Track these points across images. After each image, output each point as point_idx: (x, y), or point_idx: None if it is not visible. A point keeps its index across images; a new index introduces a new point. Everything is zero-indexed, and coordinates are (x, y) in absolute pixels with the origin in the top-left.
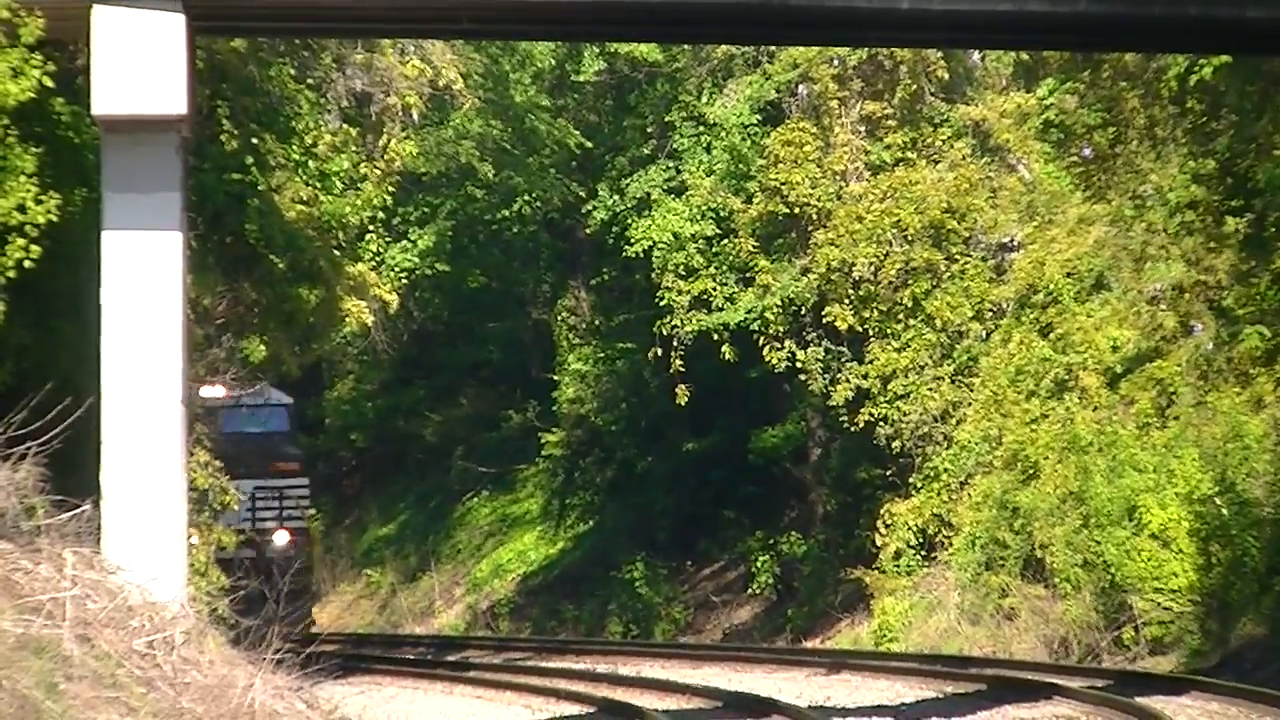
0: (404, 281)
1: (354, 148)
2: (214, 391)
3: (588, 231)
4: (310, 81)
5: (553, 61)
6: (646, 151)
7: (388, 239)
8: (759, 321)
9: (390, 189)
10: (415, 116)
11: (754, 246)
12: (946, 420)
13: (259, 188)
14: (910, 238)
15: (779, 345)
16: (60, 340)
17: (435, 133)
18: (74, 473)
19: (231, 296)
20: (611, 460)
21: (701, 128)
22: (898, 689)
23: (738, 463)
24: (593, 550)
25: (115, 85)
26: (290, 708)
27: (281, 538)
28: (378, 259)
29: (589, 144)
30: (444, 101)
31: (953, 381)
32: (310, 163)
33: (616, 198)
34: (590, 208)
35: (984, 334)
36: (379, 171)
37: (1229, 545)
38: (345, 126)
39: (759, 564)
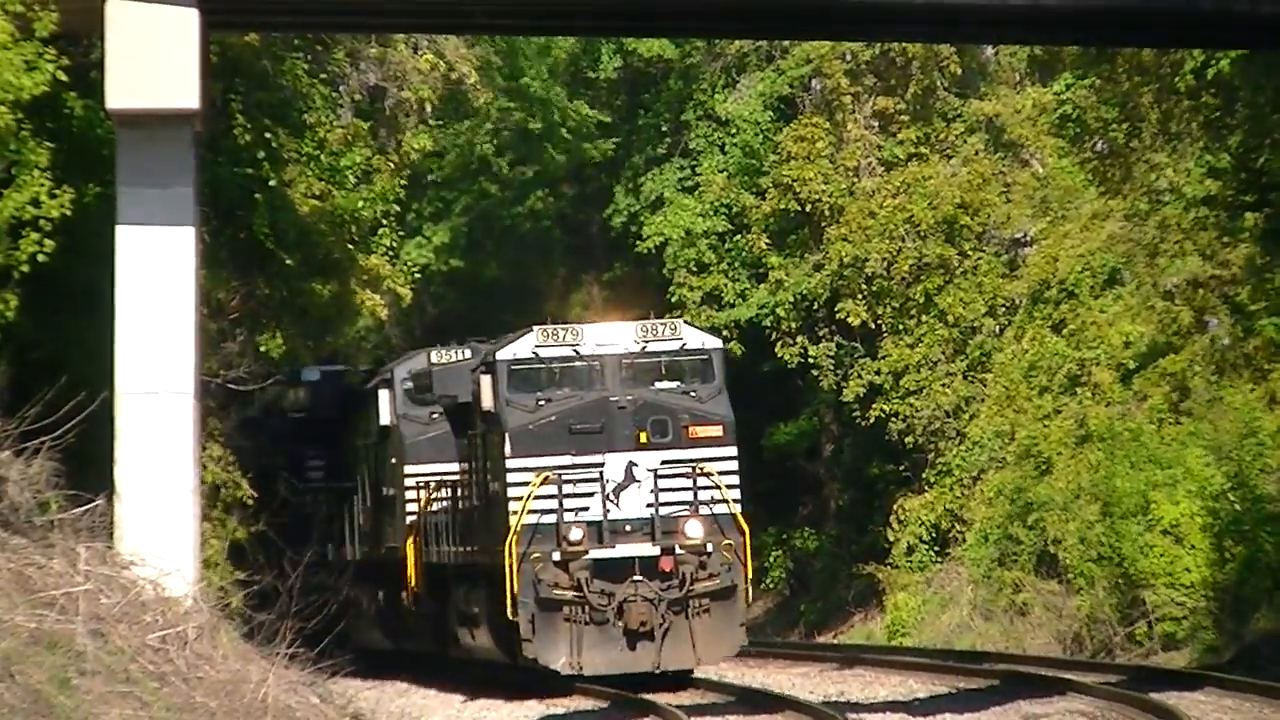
0: (417, 276)
1: (366, 142)
2: (615, 332)
3: (609, 229)
4: (324, 76)
5: (567, 53)
6: (662, 150)
7: (401, 234)
8: (771, 317)
9: (403, 183)
10: (429, 109)
11: (766, 243)
12: (959, 416)
13: (272, 182)
14: (923, 233)
15: (791, 341)
16: (73, 335)
17: (449, 127)
18: (87, 468)
19: (245, 291)
20: None
21: (715, 125)
22: (911, 684)
23: (751, 458)
24: None
25: (129, 79)
26: (304, 702)
27: (694, 529)
28: (392, 253)
29: (606, 119)
30: (458, 95)
31: (965, 377)
32: (323, 157)
33: (632, 198)
34: (609, 212)
35: (997, 329)
36: (392, 165)
37: (1243, 541)
38: (356, 120)
39: (772, 559)
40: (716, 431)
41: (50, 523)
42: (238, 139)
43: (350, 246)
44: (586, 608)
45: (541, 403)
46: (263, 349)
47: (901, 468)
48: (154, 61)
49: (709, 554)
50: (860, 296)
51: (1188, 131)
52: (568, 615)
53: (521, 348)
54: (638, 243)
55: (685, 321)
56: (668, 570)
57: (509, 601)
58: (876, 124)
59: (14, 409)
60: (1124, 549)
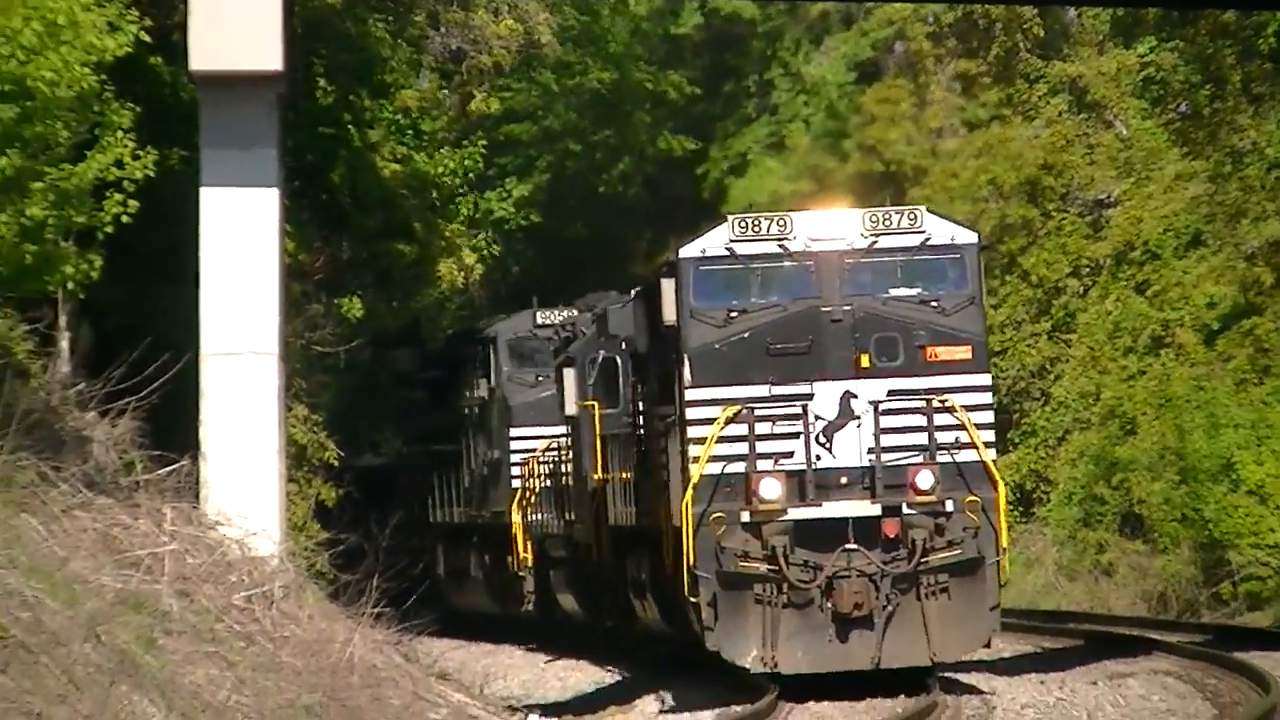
0: (496, 248)
1: (447, 105)
2: (835, 223)
3: (697, 190)
4: (405, 38)
5: (647, 14)
6: (749, 111)
7: (482, 193)
8: None
9: (482, 151)
10: (504, 69)
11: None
12: (1044, 376)
13: (353, 144)
14: (1006, 194)
15: None
16: (157, 297)
17: (525, 91)
18: (172, 428)
19: (328, 253)
20: None
21: (799, 86)
22: (996, 644)
23: None
24: None
25: (212, 42)
26: (389, 662)
27: (928, 481)
28: (472, 216)
29: (696, 90)
30: (538, 58)
31: (1050, 338)
32: (403, 121)
33: (725, 159)
34: (703, 170)
35: (1081, 290)
36: (469, 128)
37: None
38: (433, 82)
39: None
40: (963, 353)
41: (136, 483)
42: (320, 101)
43: (431, 210)
44: (784, 586)
45: (734, 315)
46: (343, 311)
47: None
48: (237, 24)
49: (948, 515)
50: None
51: (1270, 93)
52: (760, 595)
53: (712, 243)
54: (722, 207)
55: (929, 210)
56: (892, 536)
57: (685, 577)
58: (959, 86)
59: (98, 370)
60: (1206, 510)
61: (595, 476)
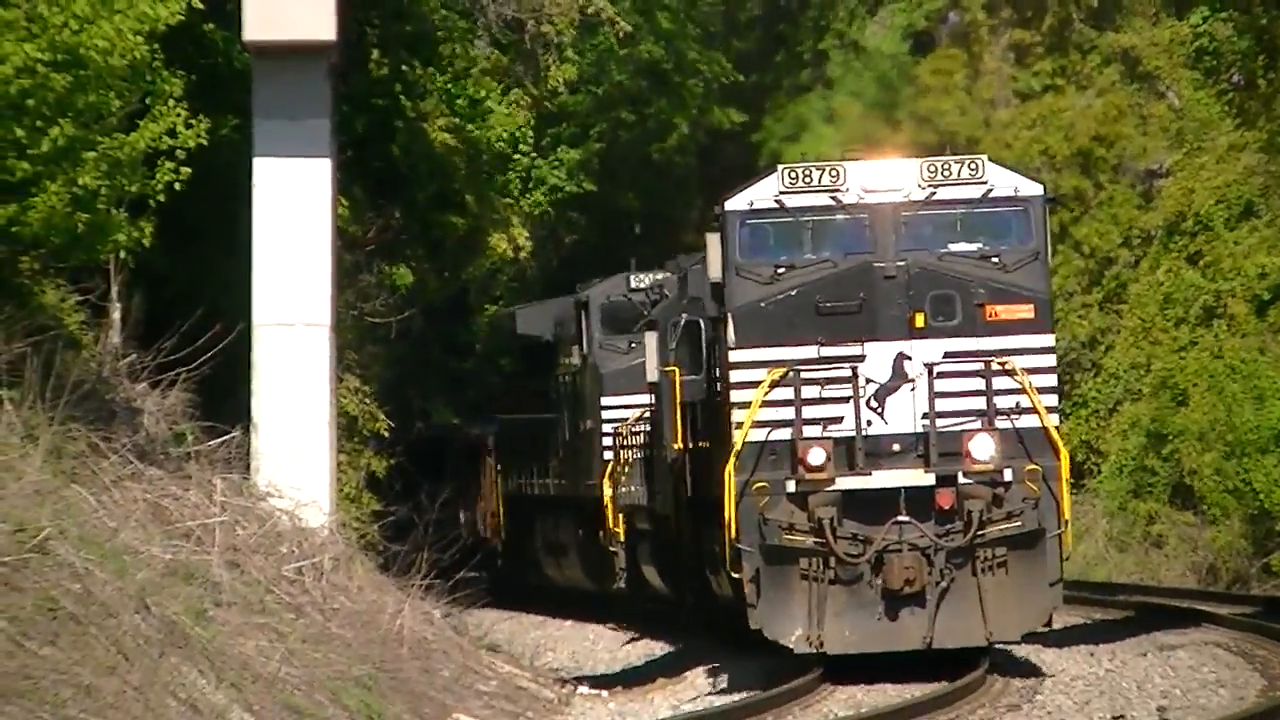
0: (547, 206)
1: (505, 76)
2: (891, 173)
3: (757, 161)
4: (460, 8)
5: None
6: (803, 81)
7: (535, 158)
8: None
9: (532, 126)
10: (566, 40)
11: None
12: (1095, 347)
13: (407, 115)
14: (1058, 165)
15: None
16: (208, 267)
17: (585, 57)
18: (223, 399)
19: (380, 223)
20: None
21: (852, 54)
22: None
23: None
24: None
25: (266, 11)
26: (439, 634)
27: (985, 448)
28: (523, 182)
29: (740, 77)
30: (594, 27)
31: (1101, 308)
32: (454, 90)
33: (779, 126)
34: (759, 137)
35: (1133, 261)
36: (530, 98)
37: None
38: (496, 53)
39: None
40: (1025, 312)
41: (186, 454)
42: (373, 71)
43: (483, 176)
44: (831, 560)
45: (782, 271)
46: (394, 281)
47: None
48: None
49: (1007, 484)
50: None
51: None
52: (805, 571)
53: (760, 194)
54: None
55: (990, 160)
56: (947, 508)
57: (728, 550)
58: (1012, 56)
59: (150, 341)
60: (1255, 480)
61: (675, 446)
